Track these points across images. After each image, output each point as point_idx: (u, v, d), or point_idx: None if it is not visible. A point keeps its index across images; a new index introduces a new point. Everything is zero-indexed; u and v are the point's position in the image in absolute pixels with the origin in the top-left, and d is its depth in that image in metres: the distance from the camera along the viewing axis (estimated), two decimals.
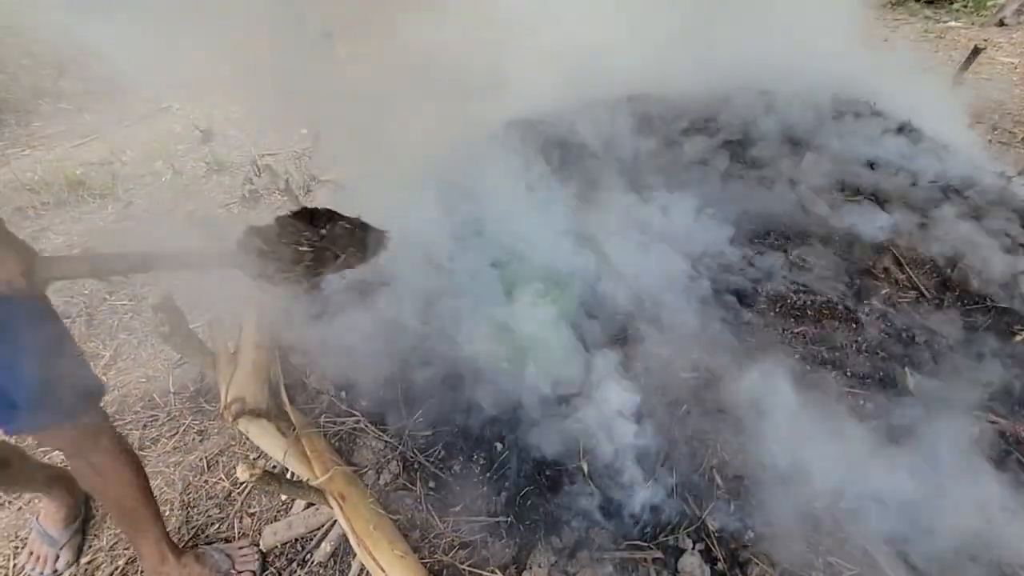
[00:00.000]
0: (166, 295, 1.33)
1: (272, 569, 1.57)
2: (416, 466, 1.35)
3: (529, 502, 1.25)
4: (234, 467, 1.88)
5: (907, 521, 1.11)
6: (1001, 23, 5.92)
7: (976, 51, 2.58)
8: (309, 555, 1.58)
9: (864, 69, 2.51)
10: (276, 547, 1.60)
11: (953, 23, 6.24)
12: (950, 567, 1.06)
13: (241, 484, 1.80)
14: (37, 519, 1.57)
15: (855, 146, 2.10)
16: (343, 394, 1.52)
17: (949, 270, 1.66)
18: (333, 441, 1.45)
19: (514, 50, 2.41)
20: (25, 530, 1.70)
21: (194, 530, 1.68)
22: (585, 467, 1.22)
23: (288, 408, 1.43)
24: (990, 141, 3.19)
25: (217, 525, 1.69)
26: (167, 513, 1.72)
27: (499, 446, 1.32)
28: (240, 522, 1.71)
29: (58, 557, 1.54)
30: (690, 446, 1.25)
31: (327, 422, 1.41)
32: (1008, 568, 1.09)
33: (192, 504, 1.75)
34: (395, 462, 1.35)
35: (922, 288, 1.59)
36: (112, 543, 1.64)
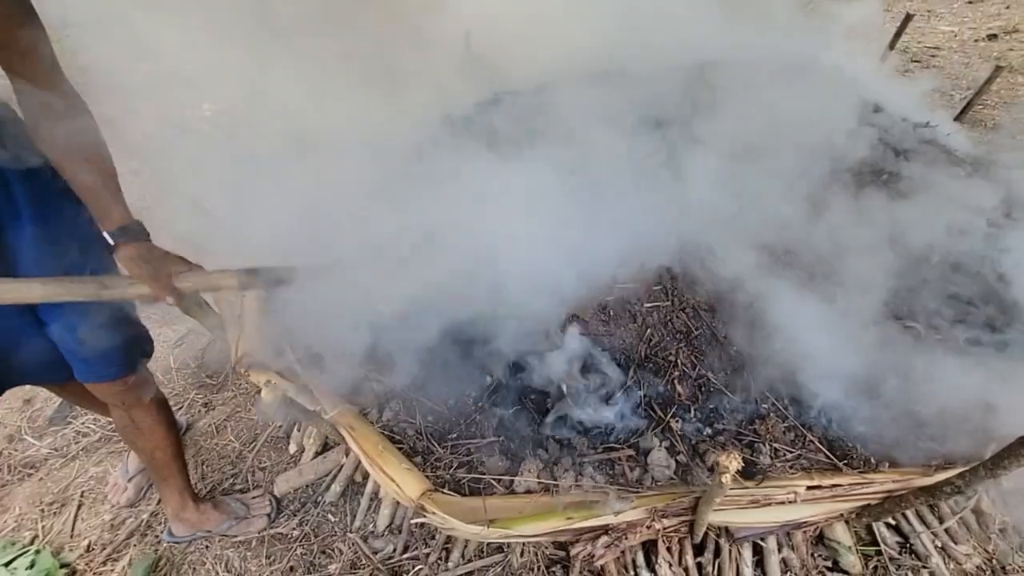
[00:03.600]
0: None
1: (288, 511, 1.71)
2: (415, 403, 1.50)
3: (518, 423, 1.41)
4: (242, 430, 2.01)
5: (843, 399, 1.31)
6: None
7: (908, 18, 2.80)
8: (320, 497, 1.73)
9: (800, 40, 2.70)
10: (289, 493, 1.75)
11: None
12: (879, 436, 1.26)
13: (251, 443, 1.93)
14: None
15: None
16: (344, 345, 1.65)
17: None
18: (340, 387, 1.59)
19: None
20: (48, 496, 1.81)
21: (210, 485, 1.81)
22: (565, 388, 1.39)
23: (294, 361, 1.56)
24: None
25: (232, 480, 1.83)
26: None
27: (488, 379, 1.48)
28: (253, 476, 1.85)
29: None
30: (654, 363, 1.43)
31: (331, 368, 1.55)
32: None
33: (206, 463, 1.88)
34: (395, 400, 1.50)
35: None
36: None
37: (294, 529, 1.64)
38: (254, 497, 1.71)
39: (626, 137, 1.97)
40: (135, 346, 1.35)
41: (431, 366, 1.53)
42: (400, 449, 1.41)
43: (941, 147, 2.19)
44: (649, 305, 1.51)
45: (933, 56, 4.51)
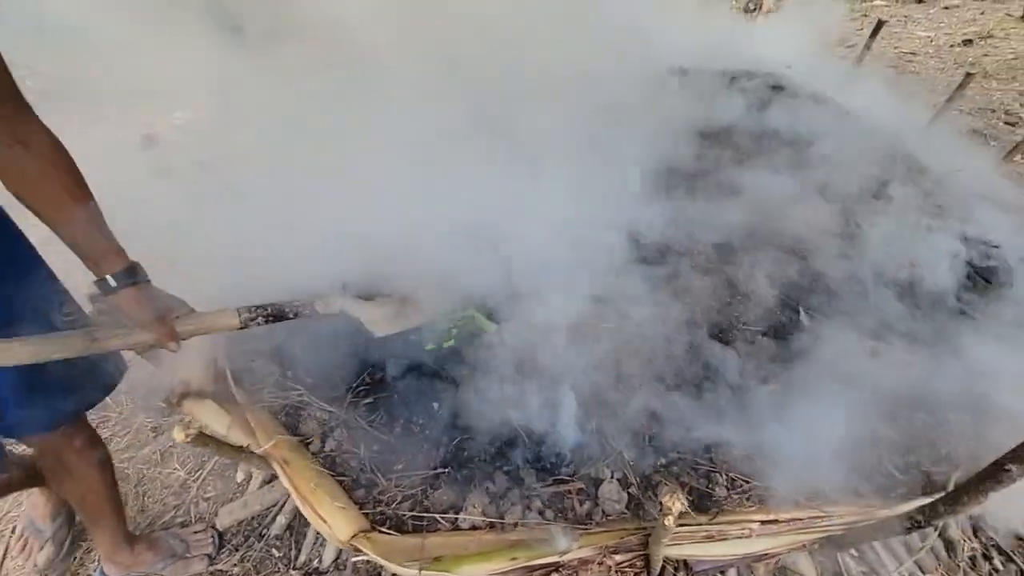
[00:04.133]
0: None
1: (230, 546, 1.61)
2: (360, 432, 1.42)
3: (465, 454, 1.34)
4: (188, 457, 1.91)
5: (796, 431, 1.25)
6: (920, 0, 6.29)
7: (880, 24, 2.78)
8: (266, 530, 1.63)
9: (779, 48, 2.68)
10: (233, 526, 1.65)
11: (877, 1, 6.60)
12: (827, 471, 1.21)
13: (196, 471, 1.84)
14: (26, 509, 1.58)
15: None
16: (288, 372, 1.57)
17: None
18: (280, 416, 1.51)
19: None
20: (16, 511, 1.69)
21: (150, 518, 1.71)
22: (514, 417, 1.32)
23: (233, 388, 1.48)
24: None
25: (173, 512, 1.73)
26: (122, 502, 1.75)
27: (436, 406, 1.41)
28: (196, 507, 1.75)
29: (42, 548, 1.55)
30: (607, 392, 1.36)
31: (272, 397, 1.47)
32: None
33: (147, 494, 1.78)
34: (339, 429, 1.42)
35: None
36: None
37: (235, 566, 1.55)
38: (195, 532, 1.61)
39: None
40: (83, 386, 1.21)
41: (377, 391, 1.46)
42: (342, 482, 1.34)
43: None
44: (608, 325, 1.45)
45: (909, 62, 4.52)
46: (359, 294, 1.40)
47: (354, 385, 1.48)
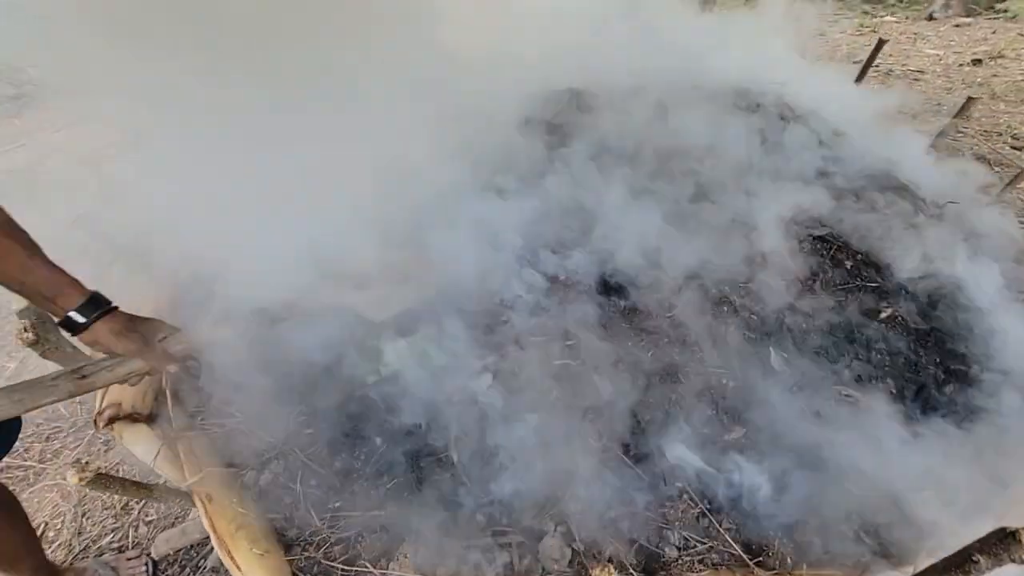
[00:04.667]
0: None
1: None
2: (298, 465, 1.34)
3: (404, 495, 1.25)
4: (135, 475, 1.84)
5: (752, 491, 1.15)
6: (930, 17, 6.17)
7: (880, 44, 2.68)
8: (203, 560, 1.56)
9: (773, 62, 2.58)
10: (169, 555, 1.58)
11: (888, 17, 6.48)
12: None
13: None
14: None
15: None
16: (230, 395, 1.49)
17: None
18: (218, 443, 1.43)
19: None
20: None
21: (86, 542, 1.64)
22: (455, 457, 1.23)
23: (170, 411, 1.40)
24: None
25: (111, 536, 1.66)
26: (59, 526, 1.68)
27: (378, 441, 1.33)
28: (136, 531, 1.68)
29: None
30: (555, 433, 1.27)
31: (208, 424, 1.39)
32: None
33: (87, 515, 1.72)
34: (276, 461, 1.34)
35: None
36: None
37: None
38: (128, 558, 1.53)
39: None
40: None
41: (318, 420, 1.38)
42: (274, 519, 1.25)
43: None
44: (559, 363, 1.36)
45: (916, 80, 4.41)
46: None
47: (296, 412, 1.39)
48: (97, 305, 0.92)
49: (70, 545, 1.61)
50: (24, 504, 1.62)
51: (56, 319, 0.91)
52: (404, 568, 1.14)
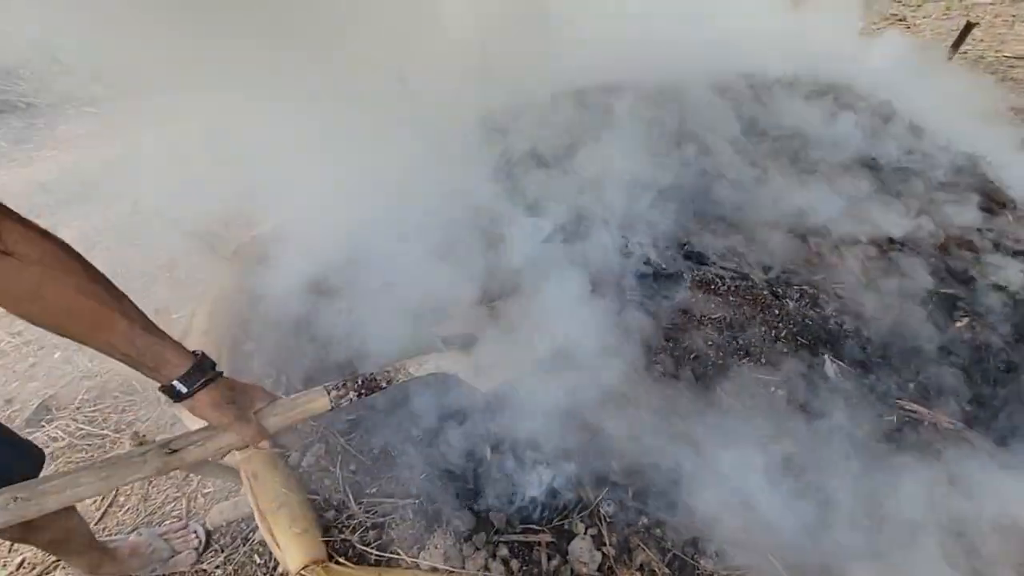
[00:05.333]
0: None
1: (217, 546, 1.64)
2: (338, 449, 1.39)
3: (437, 485, 1.27)
4: None
5: (800, 517, 1.08)
6: None
7: (968, 27, 2.44)
8: (251, 533, 1.65)
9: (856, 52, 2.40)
10: (222, 526, 1.68)
11: None
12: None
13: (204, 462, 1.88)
14: None
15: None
16: (283, 378, 1.57)
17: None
18: None
19: None
20: None
21: (151, 507, 1.77)
22: (488, 453, 1.23)
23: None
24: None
25: (173, 504, 1.78)
26: (128, 492, 1.82)
27: (414, 431, 1.35)
28: (194, 502, 1.79)
29: None
30: (592, 437, 1.25)
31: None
32: None
33: (153, 483, 1.85)
34: (318, 445, 1.39)
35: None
36: None
37: (217, 567, 1.57)
38: (178, 529, 1.62)
39: None
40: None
41: (359, 407, 1.42)
42: (313, 500, 1.30)
43: None
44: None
45: (1012, 67, 3.98)
46: (457, 344, 1.28)
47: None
48: (201, 372, 0.88)
49: (137, 510, 1.75)
50: None
51: (158, 385, 0.88)
52: (434, 558, 1.15)
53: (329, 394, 1.04)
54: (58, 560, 1.59)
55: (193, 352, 0.89)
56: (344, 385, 1.07)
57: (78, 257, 0.79)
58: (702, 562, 1.06)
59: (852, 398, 1.26)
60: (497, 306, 1.43)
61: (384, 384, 1.12)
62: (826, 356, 1.31)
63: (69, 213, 3.44)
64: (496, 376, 1.24)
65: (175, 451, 0.90)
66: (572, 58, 2.29)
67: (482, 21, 2.20)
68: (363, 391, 1.08)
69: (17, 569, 1.59)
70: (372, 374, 1.12)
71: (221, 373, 0.93)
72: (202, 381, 0.88)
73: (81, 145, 4.54)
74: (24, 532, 1.27)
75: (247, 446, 0.97)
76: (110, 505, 1.76)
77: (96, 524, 1.71)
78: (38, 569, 1.59)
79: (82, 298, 0.77)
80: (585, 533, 1.11)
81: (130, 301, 0.84)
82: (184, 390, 0.87)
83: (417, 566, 1.15)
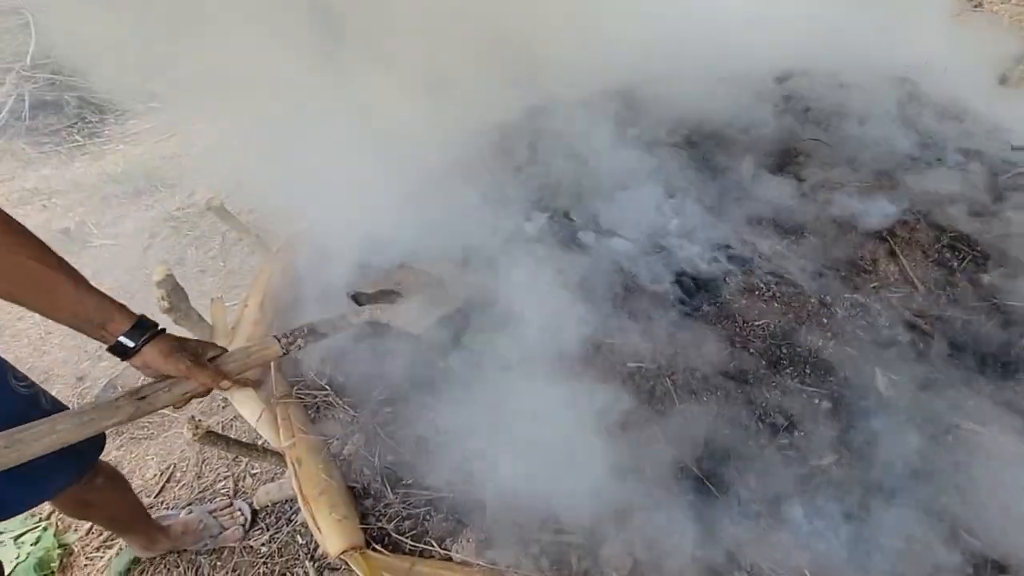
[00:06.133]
0: (168, 272, 1.49)
1: (263, 524, 1.73)
2: (377, 440, 1.43)
3: (471, 478, 1.29)
4: (248, 429, 2.08)
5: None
6: None
7: None
8: (295, 515, 1.73)
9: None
10: (268, 505, 1.77)
11: None
12: None
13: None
14: None
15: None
16: (326, 369, 1.63)
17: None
18: (310, 412, 1.57)
19: None
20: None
21: (204, 484, 1.88)
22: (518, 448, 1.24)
23: (273, 379, 1.55)
24: None
25: (224, 482, 1.89)
26: (184, 468, 1.94)
27: (450, 424, 1.38)
28: (243, 481, 1.89)
29: None
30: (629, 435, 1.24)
31: (302, 394, 1.52)
32: None
33: (206, 462, 1.96)
34: (359, 435, 1.44)
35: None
36: None
37: (263, 545, 1.66)
38: (225, 508, 1.72)
39: None
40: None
41: (397, 398, 1.46)
42: (353, 488, 1.35)
43: None
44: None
45: None
46: (374, 300, 1.43)
47: (378, 391, 1.48)
48: (144, 329, 0.94)
49: (191, 487, 1.86)
50: (158, 447, 1.89)
51: (106, 345, 0.93)
52: (467, 552, 1.17)
53: (280, 341, 1.20)
54: None
55: (136, 313, 0.96)
56: (292, 333, 1.24)
57: (19, 225, 0.83)
58: (735, 574, 1.04)
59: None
60: (408, 264, 1.55)
61: (326, 331, 1.28)
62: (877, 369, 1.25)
63: (136, 204, 3.67)
64: (426, 319, 1.39)
65: (144, 397, 0.97)
66: None
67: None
68: (309, 338, 1.24)
69: (87, 534, 1.73)
70: (315, 323, 1.29)
71: (164, 330, 1.00)
72: (148, 335, 0.94)
73: (147, 139, 4.81)
74: (84, 510, 1.38)
75: (210, 391, 1.05)
76: (167, 480, 1.88)
77: (155, 497, 1.83)
78: (104, 535, 1.72)
79: (31, 262, 0.81)
80: (618, 537, 1.11)
81: (69, 265, 0.89)
82: (131, 344, 0.93)
83: (450, 559, 1.18)
